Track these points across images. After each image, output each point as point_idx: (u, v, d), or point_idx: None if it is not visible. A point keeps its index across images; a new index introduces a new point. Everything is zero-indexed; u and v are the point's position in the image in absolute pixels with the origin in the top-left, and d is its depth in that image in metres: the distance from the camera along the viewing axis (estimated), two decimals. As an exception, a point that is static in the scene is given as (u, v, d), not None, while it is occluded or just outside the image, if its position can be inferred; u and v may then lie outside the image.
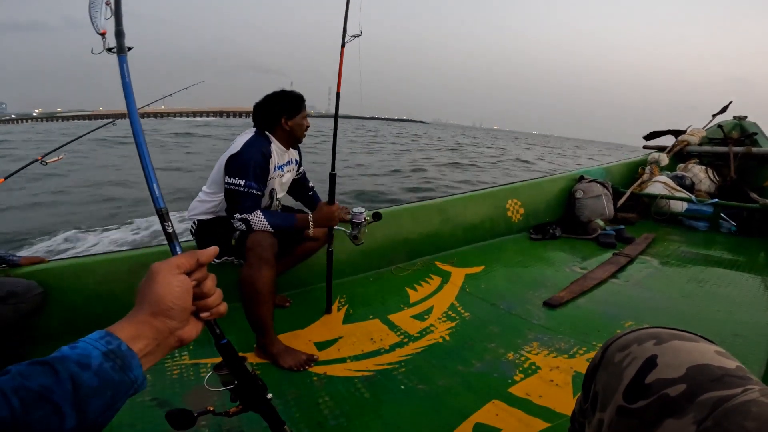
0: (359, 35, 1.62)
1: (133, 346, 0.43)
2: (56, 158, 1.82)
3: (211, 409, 0.65)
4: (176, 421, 0.59)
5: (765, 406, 0.36)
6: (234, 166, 1.43)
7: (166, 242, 0.58)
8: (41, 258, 1.68)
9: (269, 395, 0.67)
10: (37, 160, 1.78)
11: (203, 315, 0.51)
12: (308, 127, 1.63)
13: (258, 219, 1.42)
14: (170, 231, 0.58)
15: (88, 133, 2.23)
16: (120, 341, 0.42)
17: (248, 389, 0.65)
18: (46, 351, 0.40)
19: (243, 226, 1.43)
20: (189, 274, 0.49)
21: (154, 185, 0.58)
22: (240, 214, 1.41)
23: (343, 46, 1.63)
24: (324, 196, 1.72)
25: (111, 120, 2.65)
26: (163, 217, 0.58)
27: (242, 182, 1.41)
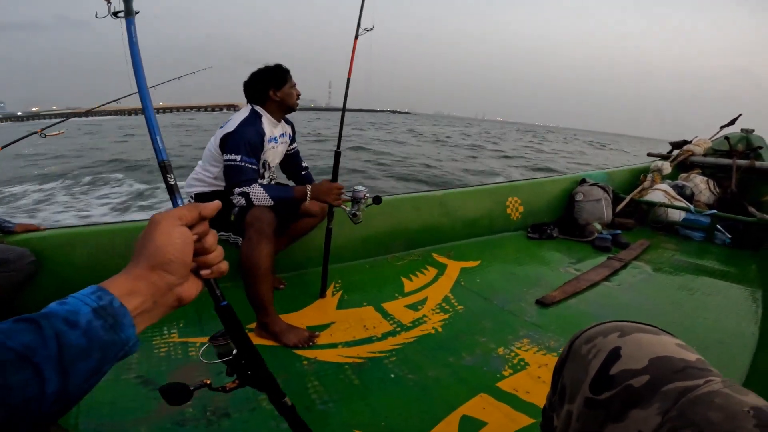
0: (371, 29, 1.72)
1: (127, 302, 0.39)
2: (56, 132, 1.80)
3: (208, 382, 0.62)
4: (171, 396, 0.57)
5: (728, 397, 0.37)
6: (230, 143, 1.48)
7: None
8: (36, 225, 1.66)
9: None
10: (36, 132, 1.76)
11: (204, 273, 0.48)
12: (299, 95, 1.68)
13: (257, 192, 1.45)
14: (172, 183, 0.56)
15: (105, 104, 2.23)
16: (112, 297, 0.39)
17: (248, 359, 0.61)
18: None
19: (243, 201, 1.45)
20: (191, 228, 0.46)
21: (158, 138, 0.58)
22: (239, 188, 1.44)
23: (356, 37, 1.72)
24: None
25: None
26: (166, 170, 0.57)
27: (238, 157, 1.46)
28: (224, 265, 0.51)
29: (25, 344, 0.33)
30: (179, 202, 0.56)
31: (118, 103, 2.26)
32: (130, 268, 0.42)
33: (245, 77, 1.65)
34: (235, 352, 0.61)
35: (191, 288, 0.47)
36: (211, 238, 0.49)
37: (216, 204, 0.49)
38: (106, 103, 2.36)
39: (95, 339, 0.36)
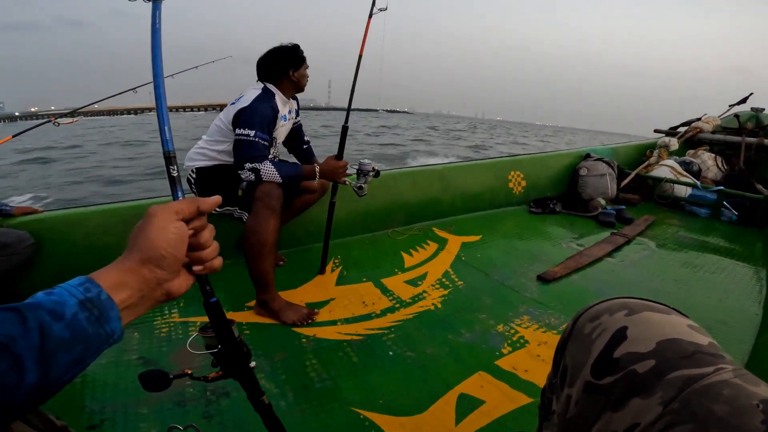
0: (385, 9, 1.70)
1: (115, 295, 0.39)
2: (69, 120, 1.76)
3: (189, 372, 0.61)
4: (149, 383, 0.57)
5: (737, 388, 0.34)
6: (244, 118, 1.47)
7: (160, 196, 0.53)
8: (34, 208, 1.64)
9: (252, 363, 0.65)
10: (49, 121, 1.71)
11: (196, 268, 0.48)
12: (308, 77, 1.70)
13: (268, 169, 1.43)
14: (174, 175, 0.56)
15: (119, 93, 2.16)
16: (100, 289, 0.38)
17: (231, 355, 0.62)
18: None
19: (252, 176, 1.44)
20: (187, 222, 0.46)
21: (165, 128, 0.57)
22: (250, 163, 1.42)
23: (370, 16, 1.71)
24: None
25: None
26: (170, 161, 0.56)
27: (252, 132, 1.44)
28: (218, 262, 0.50)
29: (7, 334, 0.32)
30: (179, 195, 0.55)
31: (135, 92, 2.26)
32: (121, 260, 0.42)
33: (245, 77, 1.67)
34: (219, 347, 0.61)
35: (181, 283, 0.46)
36: (207, 233, 0.48)
37: (216, 199, 0.49)
38: (122, 92, 2.30)
39: (79, 331, 0.36)
